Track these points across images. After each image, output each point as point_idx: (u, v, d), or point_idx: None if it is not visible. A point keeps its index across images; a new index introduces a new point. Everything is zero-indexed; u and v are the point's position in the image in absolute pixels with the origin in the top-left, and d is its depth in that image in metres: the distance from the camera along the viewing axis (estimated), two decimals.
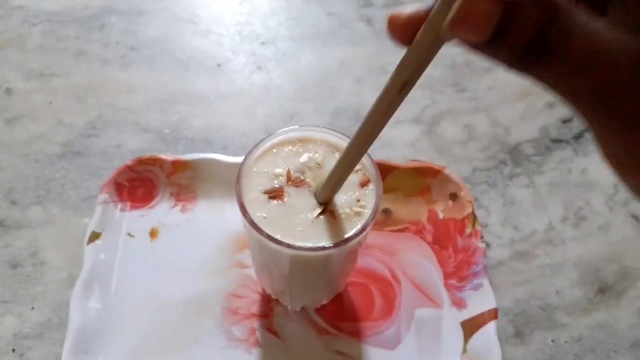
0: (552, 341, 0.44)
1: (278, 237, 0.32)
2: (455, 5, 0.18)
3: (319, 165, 0.35)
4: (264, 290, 0.45)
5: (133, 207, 0.49)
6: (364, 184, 0.35)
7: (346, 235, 0.32)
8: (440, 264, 0.48)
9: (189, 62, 0.63)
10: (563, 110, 0.58)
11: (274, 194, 0.34)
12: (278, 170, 0.35)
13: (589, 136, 0.57)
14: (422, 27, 0.21)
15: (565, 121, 0.58)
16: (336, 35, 0.67)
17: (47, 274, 0.46)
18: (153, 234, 0.48)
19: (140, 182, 0.50)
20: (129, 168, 0.49)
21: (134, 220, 0.48)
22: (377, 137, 0.27)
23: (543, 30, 0.17)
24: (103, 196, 0.48)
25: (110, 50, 0.63)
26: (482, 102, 0.59)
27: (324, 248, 0.32)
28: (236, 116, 0.58)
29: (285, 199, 0.34)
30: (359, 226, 0.33)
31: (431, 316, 0.45)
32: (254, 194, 0.34)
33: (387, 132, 0.56)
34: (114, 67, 0.61)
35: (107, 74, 0.61)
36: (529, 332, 0.45)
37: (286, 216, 0.33)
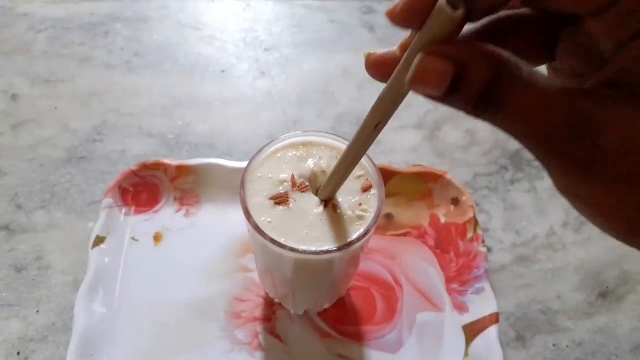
0: (553, 345, 0.45)
1: (282, 240, 0.32)
2: (412, 66, 0.20)
3: (324, 172, 0.35)
4: (267, 294, 0.45)
5: (137, 212, 0.50)
6: (366, 189, 0.35)
7: (349, 239, 0.33)
8: (442, 268, 0.48)
9: (193, 68, 0.63)
10: None
11: (280, 199, 0.34)
12: (282, 176, 0.35)
13: None
14: (390, 80, 0.24)
15: None
16: (338, 41, 0.67)
17: (52, 277, 0.46)
18: (157, 238, 0.48)
19: (144, 187, 0.50)
20: (133, 173, 0.50)
21: (138, 224, 0.49)
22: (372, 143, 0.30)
23: (491, 84, 0.19)
24: (107, 200, 0.48)
25: (114, 56, 0.64)
26: None
27: (326, 252, 0.32)
28: (239, 121, 0.58)
29: (291, 204, 0.34)
30: (361, 230, 0.33)
31: (433, 320, 0.45)
32: (258, 199, 0.34)
33: (389, 138, 0.57)
34: (118, 72, 0.62)
35: (112, 80, 0.61)
36: (530, 336, 0.45)
37: (291, 220, 0.33)
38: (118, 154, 0.54)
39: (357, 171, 0.35)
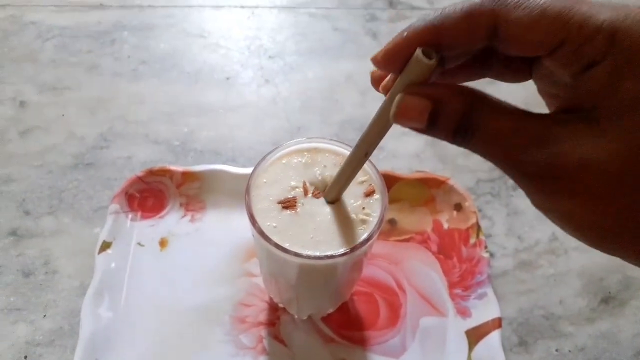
0: (556, 350, 0.45)
1: (286, 245, 0.33)
2: (394, 103, 0.24)
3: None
4: (271, 299, 0.46)
5: (143, 217, 0.50)
6: (369, 194, 0.36)
7: (353, 244, 0.33)
8: (445, 274, 0.48)
9: (198, 75, 0.64)
10: None
11: (288, 204, 0.34)
12: (293, 183, 0.36)
13: None
14: (376, 113, 0.27)
15: None
16: (342, 49, 0.68)
17: (59, 282, 0.47)
18: (163, 243, 0.49)
19: (150, 193, 0.51)
20: (140, 179, 0.50)
21: (144, 230, 0.49)
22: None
23: (464, 116, 0.23)
24: (114, 206, 0.49)
25: (121, 64, 0.65)
26: None
27: (330, 257, 0.33)
28: (244, 128, 0.59)
29: (299, 209, 0.35)
30: (365, 235, 0.34)
31: (436, 325, 0.45)
32: (264, 204, 0.35)
33: (392, 144, 0.57)
34: (125, 80, 0.63)
35: (118, 87, 0.62)
36: (533, 342, 0.45)
37: (297, 225, 0.34)
38: (124, 161, 0.55)
39: (360, 177, 0.36)
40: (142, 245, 0.49)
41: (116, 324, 0.44)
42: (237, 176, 0.51)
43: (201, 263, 0.48)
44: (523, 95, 0.29)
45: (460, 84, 0.24)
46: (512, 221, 0.52)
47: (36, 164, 0.54)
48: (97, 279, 0.45)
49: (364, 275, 0.47)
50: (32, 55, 0.65)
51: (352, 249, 0.33)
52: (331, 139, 0.38)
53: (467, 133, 0.23)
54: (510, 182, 0.55)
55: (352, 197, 0.35)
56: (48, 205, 0.51)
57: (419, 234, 0.51)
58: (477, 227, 0.49)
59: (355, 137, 0.57)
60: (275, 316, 0.45)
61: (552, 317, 0.47)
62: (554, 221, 0.24)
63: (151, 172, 0.51)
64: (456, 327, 0.45)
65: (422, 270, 0.48)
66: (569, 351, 0.45)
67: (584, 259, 0.50)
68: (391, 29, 0.71)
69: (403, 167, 0.56)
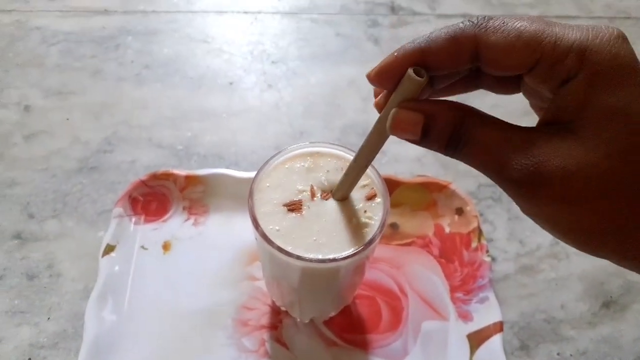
0: (558, 354, 0.45)
1: (289, 249, 0.33)
2: (390, 116, 0.27)
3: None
4: (273, 302, 0.46)
5: (147, 221, 0.51)
6: (370, 198, 0.36)
7: (355, 248, 0.33)
8: (447, 278, 0.48)
9: (202, 80, 0.65)
10: None
11: (294, 206, 0.35)
12: (300, 187, 0.36)
13: None
14: (373, 126, 0.29)
15: None
16: (344, 54, 0.69)
17: (63, 285, 0.47)
18: (166, 246, 0.49)
19: (153, 197, 0.51)
20: (143, 183, 0.51)
21: (148, 233, 0.50)
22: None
23: (456, 129, 0.25)
24: (118, 210, 0.49)
25: (125, 68, 0.65)
26: None
27: (333, 260, 0.33)
28: (247, 133, 0.59)
29: (304, 212, 0.35)
30: (367, 239, 0.34)
31: (438, 329, 0.45)
32: (267, 208, 0.35)
33: (393, 148, 0.57)
34: (129, 85, 0.64)
35: (122, 92, 0.63)
36: (535, 345, 0.45)
37: (300, 228, 0.34)
38: (128, 165, 0.56)
39: (362, 181, 0.36)
40: (146, 249, 0.49)
41: (120, 326, 0.44)
42: (240, 180, 0.51)
43: (204, 266, 0.48)
44: (523, 102, 0.30)
45: (451, 100, 0.26)
46: (514, 225, 0.53)
47: (41, 167, 0.55)
48: (101, 282, 0.45)
49: (366, 279, 0.48)
50: (37, 60, 0.66)
51: (355, 253, 0.33)
52: (333, 144, 0.38)
53: (458, 144, 0.25)
54: None
55: (354, 201, 0.36)
56: (52, 209, 0.52)
57: (420, 238, 0.51)
58: (479, 232, 0.49)
59: (357, 141, 0.58)
60: (277, 319, 0.45)
61: (554, 321, 0.47)
62: (542, 226, 0.26)
63: (155, 176, 0.51)
64: (458, 331, 0.45)
65: (424, 274, 0.49)
66: (571, 355, 0.45)
67: (586, 263, 0.50)
68: (393, 35, 0.71)
69: (405, 172, 0.56)
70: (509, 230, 0.52)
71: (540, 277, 0.49)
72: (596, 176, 0.22)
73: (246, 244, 0.49)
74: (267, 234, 0.33)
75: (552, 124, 0.24)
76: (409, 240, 0.51)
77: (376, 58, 0.69)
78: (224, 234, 0.50)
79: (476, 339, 0.44)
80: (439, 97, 0.31)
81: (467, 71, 0.29)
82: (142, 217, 0.51)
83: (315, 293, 0.40)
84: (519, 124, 0.25)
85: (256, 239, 0.35)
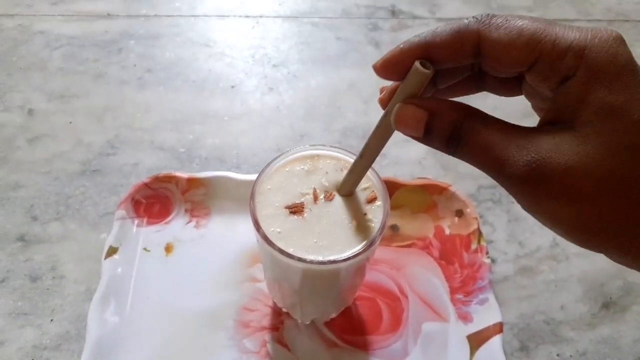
0: (557, 355, 0.45)
1: (290, 251, 0.33)
2: (394, 111, 0.27)
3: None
4: (275, 303, 0.46)
5: (149, 223, 0.51)
6: (371, 200, 0.36)
7: (355, 250, 0.34)
8: (447, 279, 0.49)
9: (204, 83, 0.65)
10: None
11: (295, 209, 0.35)
12: (303, 189, 0.36)
13: None
14: (379, 120, 0.30)
15: None
16: (345, 58, 0.69)
17: (66, 287, 0.47)
18: (168, 249, 0.50)
19: (156, 199, 0.52)
20: (146, 185, 0.51)
21: (150, 235, 0.50)
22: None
23: (457, 128, 0.26)
24: (120, 212, 0.50)
25: (127, 72, 0.66)
26: None
27: (333, 262, 0.33)
28: (249, 135, 0.60)
29: (305, 214, 0.35)
30: (367, 241, 0.34)
31: (438, 330, 0.46)
32: (269, 210, 0.35)
33: (394, 151, 0.58)
34: (131, 88, 0.64)
35: (125, 95, 0.63)
36: (534, 347, 0.45)
37: (302, 231, 0.34)
38: (131, 167, 0.56)
39: (363, 183, 0.36)
40: (148, 251, 0.49)
41: (122, 328, 0.44)
42: (241, 183, 0.51)
43: (206, 268, 0.48)
44: (523, 104, 0.30)
45: (454, 100, 0.27)
46: (513, 227, 0.53)
47: (44, 170, 0.55)
48: (104, 284, 0.46)
49: (366, 281, 0.48)
50: (40, 64, 0.66)
51: (355, 255, 0.33)
52: (332, 146, 0.38)
53: (460, 142, 0.26)
54: None
55: (355, 203, 0.36)
56: (55, 211, 0.52)
57: (420, 240, 0.51)
58: (479, 233, 0.50)
59: (357, 144, 0.58)
60: (278, 321, 0.46)
61: (553, 322, 0.47)
62: (544, 223, 0.26)
63: (157, 179, 0.51)
64: (458, 332, 0.46)
65: (424, 276, 0.49)
66: (570, 356, 0.45)
67: (585, 264, 0.51)
68: (393, 38, 0.71)
69: (405, 174, 0.56)
70: (509, 232, 0.53)
71: (539, 279, 0.50)
72: (596, 173, 0.23)
73: (248, 246, 0.49)
74: (269, 236, 0.34)
75: (552, 123, 0.25)
76: (409, 242, 0.51)
77: (376, 61, 0.69)
78: (226, 236, 0.50)
79: (476, 340, 0.45)
80: (441, 97, 0.31)
81: (470, 70, 0.29)
82: (145, 220, 0.51)
83: (316, 295, 0.40)
84: (520, 125, 0.25)
85: (257, 241, 0.36)
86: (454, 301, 0.47)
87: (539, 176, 0.23)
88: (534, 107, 0.30)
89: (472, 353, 0.44)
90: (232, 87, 0.65)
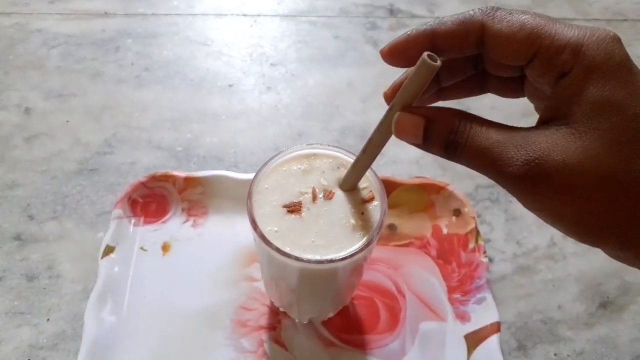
0: (555, 355, 0.45)
1: (287, 250, 0.33)
2: (394, 119, 0.28)
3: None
4: (272, 303, 0.46)
5: (146, 222, 0.51)
6: (368, 200, 0.36)
7: (352, 249, 0.34)
8: (444, 278, 0.49)
9: (201, 82, 0.65)
10: None
11: (293, 208, 0.35)
12: (302, 189, 0.36)
13: None
14: (384, 115, 0.30)
15: None
16: (343, 57, 0.69)
17: (63, 286, 0.47)
18: (165, 248, 0.49)
19: (153, 198, 0.52)
20: (143, 184, 0.51)
21: (147, 234, 0.50)
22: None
23: (454, 132, 0.26)
24: (117, 211, 0.50)
25: (125, 71, 0.65)
26: None
27: (330, 261, 0.33)
28: (246, 134, 0.60)
29: (303, 213, 0.35)
30: (364, 240, 0.34)
31: (435, 329, 0.46)
32: (266, 209, 0.35)
33: (392, 150, 0.58)
34: (128, 87, 0.64)
35: (122, 94, 0.63)
36: (532, 346, 0.45)
37: (299, 230, 0.34)
38: (128, 166, 0.56)
39: (361, 183, 0.36)
40: (145, 250, 0.49)
41: (119, 327, 0.44)
42: (239, 182, 0.51)
43: (203, 267, 0.48)
44: (521, 104, 0.30)
45: (451, 107, 0.28)
46: (511, 226, 0.53)
47: (41, 169, 0.55)
48: (100, 283, 0.45)
49: (364, 280, 0.48)
50: (37, 62, 0.66)
51: (353, 254, 0.33)
52: (328, 145, 0.38)
53: (457, 147, 0.27)
54: None
55: (352, 202, 0.36)
56: (52, 210, 0.52)
57: (418, 239, 0.51)
58: (476, 233, 0.50)
59: (355, 143, 0.58)
60: (276, 320, 0.46)
61: (551, 322, 0.47)
62: (544, 220, 0.26)
63: (154, 178, 0.51)
64: (455, 332, 0.45)
65: (422, 275, 0.49)
66: (568, 355, 0.45)
67: (582, 264, 0.51)
68: (391, 37, 0.70)
69: (403, 173, 0.56)
70: (506, 231, 0.53)
71: (537, 278, 0.50)
72: (593, 169, 0.23)
73: (245, 245, 0.49)
74: (266, 235, 0.34)
75: (550, 121, 0.25)
76: (406, 241, 0.51)
77: (375, 60, 0.69)
78: (223, 235, 0.50)
79: (473, 340, 0.45)
80: (444, 98, 0.33)
81: (473, 69, 0.30)
82: (142, 219, 0.51)
83: (313, 294, 0.40)
84: (518, 126, 0.26)
85: (255, 240, 0.36)
86: (451, 300, 0.47)
87: (537, 174, 0.24)
88: (537, 109, 0.30)
89: (469, 352, 0.44)
90: (230, 86, 0.65)
